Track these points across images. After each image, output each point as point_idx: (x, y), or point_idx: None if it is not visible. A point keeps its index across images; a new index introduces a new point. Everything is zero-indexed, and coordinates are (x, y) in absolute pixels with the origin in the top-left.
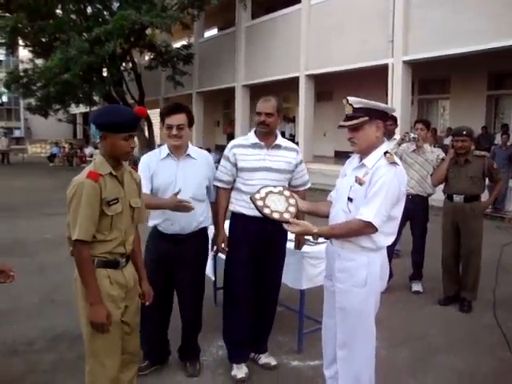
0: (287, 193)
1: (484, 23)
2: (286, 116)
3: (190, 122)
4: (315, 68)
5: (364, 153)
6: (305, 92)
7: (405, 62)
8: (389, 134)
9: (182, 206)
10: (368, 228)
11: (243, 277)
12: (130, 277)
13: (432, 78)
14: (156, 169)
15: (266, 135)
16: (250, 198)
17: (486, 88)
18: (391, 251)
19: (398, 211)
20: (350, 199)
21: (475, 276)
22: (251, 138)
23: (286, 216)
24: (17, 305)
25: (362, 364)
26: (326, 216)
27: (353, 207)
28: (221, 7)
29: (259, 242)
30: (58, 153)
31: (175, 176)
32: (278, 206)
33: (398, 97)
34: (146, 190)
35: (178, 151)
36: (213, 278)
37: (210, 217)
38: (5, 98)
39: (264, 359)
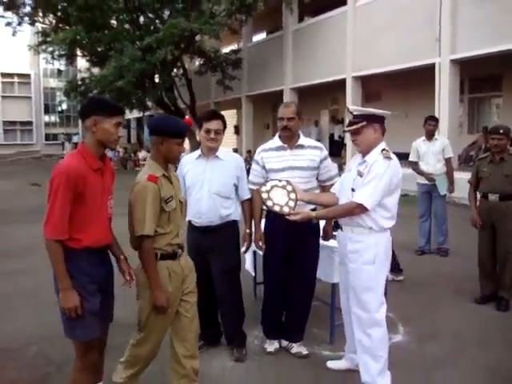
0: (290, 187)
1: None
2: (335, 117)
3: (224, 128)
4: (362, 69)
5: (366, 152)
6: (352, 93)
7: (452, 61)
8: (430, 134)
9: None
10: (358, 208)
11: (277, 268)
12: (185, 265)
13: (483, 75)
14: (189, 168)
15: (289, 137)
16: (257, 191)
17: None
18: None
19: (393, 200)
20: (353, 189)
21: None
22: (276, 141)
23: (286, 209)
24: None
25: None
26: (327, 205)
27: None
28: (268, 12)
29: (291, 237)
30: (113, 156)
31: (203, 174)
32: (280, 199)
33: (445, 96)
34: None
35: (209, 153)
36: (253, 274)
37: (239, 212)
38: (64, 106)
39: (296, 348)
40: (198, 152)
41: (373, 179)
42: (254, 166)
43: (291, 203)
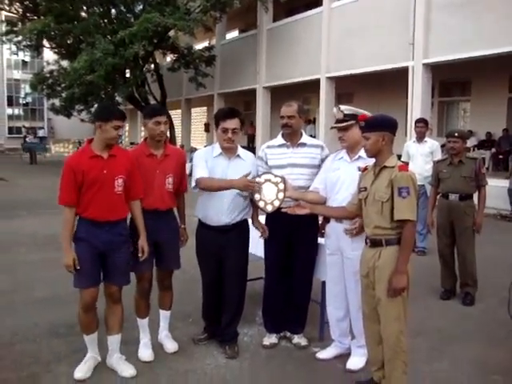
0: (282, 186)
1: (505, 25)
2: (308, 117)
3: (242, 126)
4: (336, 70)
5: (350, 148)
6: (325, 94)
7: (425, 65)
8: (420, 137)
9: (250, 186)
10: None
11: (276, 262)
12: None
13: (453, 80)
14: (210, 165)
15: (291, 135)
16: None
17: (508, 90)
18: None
19: None
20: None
21: (473, 270)
22: (279, 139)
23: (269, 208)
24: (56, 292)
25: None
26: (315, 203)
27: None
28: (242, 10)
29: (290, 231)
30: None
31: (226, 174)
32: (268, 195)
33: (418, 99)
34: (205, 174)
35: (229, 151)
36: None
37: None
38: (29, 99)
39: (296, 339)
40: (217, 149)
41: None
42: (257, 161)
43: (276, 203)
